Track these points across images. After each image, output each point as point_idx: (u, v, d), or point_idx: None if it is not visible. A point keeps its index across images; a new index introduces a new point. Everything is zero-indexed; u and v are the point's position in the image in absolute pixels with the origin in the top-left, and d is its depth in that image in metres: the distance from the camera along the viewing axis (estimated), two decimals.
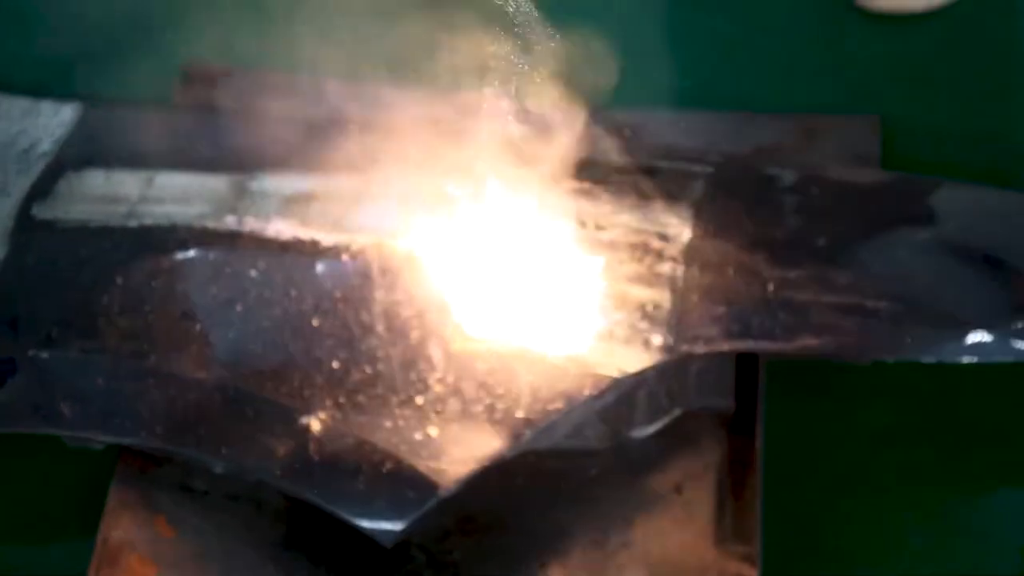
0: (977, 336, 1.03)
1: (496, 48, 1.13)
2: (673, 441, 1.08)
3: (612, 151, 1.12)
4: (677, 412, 1.07)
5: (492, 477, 1.02)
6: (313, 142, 1.18)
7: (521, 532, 1.06)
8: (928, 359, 1.03)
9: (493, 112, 1.13)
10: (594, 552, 1.05)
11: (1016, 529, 1.08)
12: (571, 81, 1.15)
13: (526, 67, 1.14)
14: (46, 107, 1.23)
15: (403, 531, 0.99)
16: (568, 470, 1.07)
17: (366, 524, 0.99)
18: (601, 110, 1.19)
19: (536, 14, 1.14)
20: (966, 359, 1.03)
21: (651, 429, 1.07)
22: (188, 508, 1.07)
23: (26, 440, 1.08)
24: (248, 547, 1.06)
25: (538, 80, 1.13)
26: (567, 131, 1.12)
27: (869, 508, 1.09)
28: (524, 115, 1.13)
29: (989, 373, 1.08)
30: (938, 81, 1.27)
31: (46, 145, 1.19)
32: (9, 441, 1.08)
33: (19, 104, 1.23)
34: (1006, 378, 1.11)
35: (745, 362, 1.08)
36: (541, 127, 1.14)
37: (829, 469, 1.11)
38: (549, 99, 1.14)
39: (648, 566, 1.05)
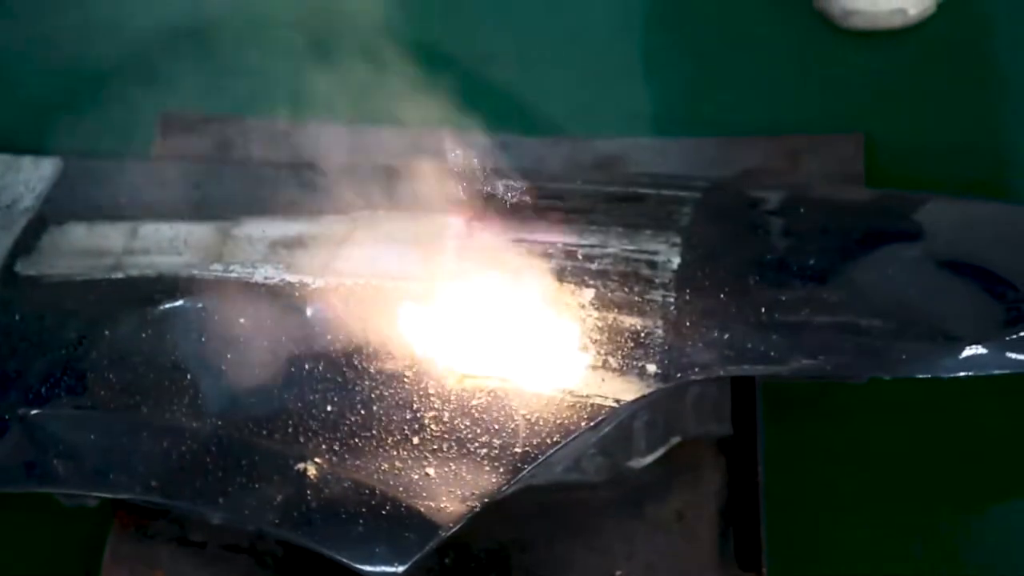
0: (972, 349, 1.02)
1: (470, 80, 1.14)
2: (672, 469, 1.07)
3: (597, 181, 1.12)
4: (675, 440, 1.07)
5: (492, 514, 1.01)
6: (295, 186, 1.18)
7: (525, 568, 1.05)
8: (924, 374, 1.03)
9: (475, 148, 1.14)
10: None
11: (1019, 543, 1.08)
12: (551, 112, 1.15)
13: (503, 99, 1.15)
14: (26, 163, 1.22)
15: (404, 573, 0.98)
16: (569, 503, 1.07)
17: (367, 569, 0.98)
18: (584, 140, 1.19)
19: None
20: (962, 373, 1.02)
21: (650, 459, 1.07)
22: (186, 561, 1.06)
23: (20, 499, 1.07)
24: None
25: (519, 112, 1.14)
26: (551, 163, 1.12)
27: (873, 525, 1.09)
28: (506, 148, 1.14)
29: (987, 386, 1.09)
30: (917, 95, 1.28)
31: (28, 201, 1.19)
32: (3, 500, 1.08)
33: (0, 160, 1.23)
34: (1003, 390, 1.11)
35: (741, 386, 1.08)
36: (524, 160, 1.14)
37: (831, 488, 1.10)
38: (532, 131, 1.14)
39: None
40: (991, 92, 1.28)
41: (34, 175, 1.21)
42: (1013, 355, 1.02)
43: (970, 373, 1.02)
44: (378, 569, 0.98)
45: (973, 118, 1.26)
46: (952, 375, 1.03)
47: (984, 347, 1.02)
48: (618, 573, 1.05)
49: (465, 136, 1.14)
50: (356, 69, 1.14)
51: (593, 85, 1.22)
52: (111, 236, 1.15)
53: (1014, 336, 1.02)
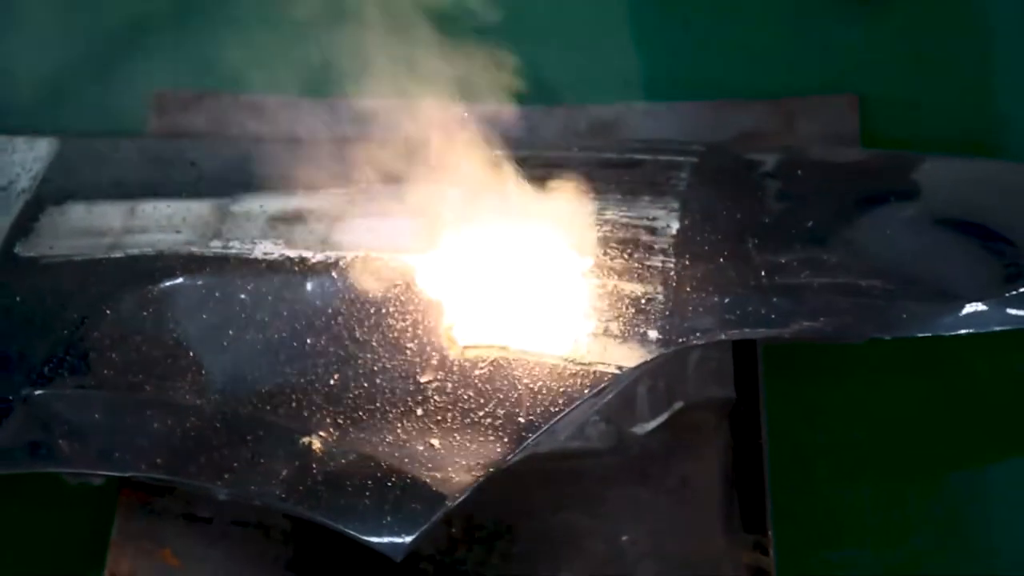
0: (972, 307, 1.02)
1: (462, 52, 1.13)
2: (676, 435, 1.08)
3: (593, 147, 1.12)
4: (678, 405, 1.07)
5: (498, 483, 1.01)
6: (291, 161, 1.18)
7: (531, 537, 1.06)
8: (925, 333, 1.03)
9: (470, 119, 1.13)
10: (606, 551, 1.05)
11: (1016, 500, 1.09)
12: (546, 79, 1.15)
13: (495, 68, 1.14)
14: (21, 143, 1.22)
15: (412, 544, 0.98)
16: (574, 471, 1.07)
17: (375, 540, 0.98)
18: (578, 107, 1.19)
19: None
20: (963, 330, 1.03)
21: (653, 424, 1.07)
22: (193, 537, 1.07)
23: (27, 479, 1.07)
24: (256, 572, 1.06)
25: (512, 80, 1.13)
26: (545, 131, 1.12)
27: (875, 484, 1.10)
28: (500, 118, 1.13)
29: (986, 344, 1.09)
30: (910, 57, 1.27)
31: (24, 182, 1.18)
32: (10, 481, 1.08)
33: None
34: (1002, 348, 1.11)
35: (743, 350, 1.08)
36: (519, 129, 1.14)
37: (833, 449, 1.11)
38: (527, 99, 1.13)
39: (660, 560, 1.05)
40: (981, 52, 1.28)
41: (29, 156, 1.20)
42: (1013, 311, 1.03)
43: (970, 330, 1.03)
44: (385, 540, 0.98)
45: (964, 78, 1.26)
46: (952, 332, 1.03)
47: (983, 304, 1.02)
48: (624, 538, 1.06)
49: (460, 107, 1.13)
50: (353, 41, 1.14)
51: (588, 51, 1.21)
52: (109, 215, 1.14)
53: (1013, 292, 1.03)
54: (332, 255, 1.09)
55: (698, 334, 1.03)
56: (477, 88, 1.13)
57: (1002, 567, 1.08)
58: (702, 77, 1.28)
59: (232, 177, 1.16)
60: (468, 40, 1.12)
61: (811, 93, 1.25)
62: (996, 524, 1.09)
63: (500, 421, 1.01)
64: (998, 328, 1.03)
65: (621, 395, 1.04)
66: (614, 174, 1.11)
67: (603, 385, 1.02)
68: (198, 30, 1.32)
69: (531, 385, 1.02)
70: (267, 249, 1.10)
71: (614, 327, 1.04)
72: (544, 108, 1.24)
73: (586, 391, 1.02)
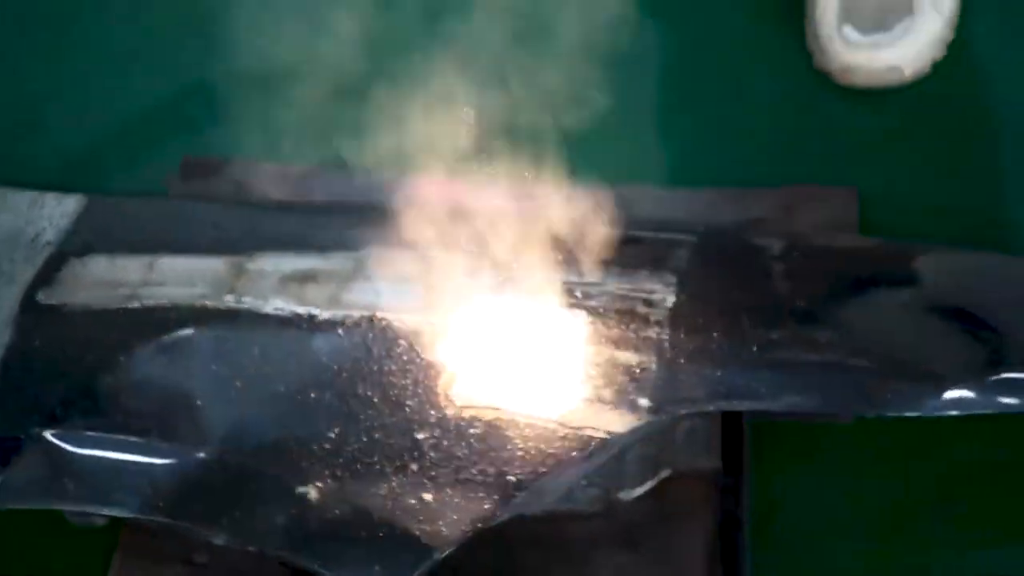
0: (955, 390, 1.05)
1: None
2: (664, 503, 1.10)
3: (597, 224, 1.16)
4: (665, 473, 1.09)
5: (487, 543, 1.04)
6: (307, 226, 1.23)
7: None
8: (909, 413, 1.05)
9: (477, 191, 1.17)
10: None
11: None
12: (555, 160, 1.19)
13: (511, 147, 1.19)
14: (50, 199, 1.27)
15: None
16: (562, 534, 1.09)
17: None
18: (586, 186, 1.23)
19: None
20: (947, 412, 1.05)
21: (640, 490, 1.09)
22: None
23: (31, 520, 1.11)
24: None
25: (523, 159, 1.17)
26: (552, 206, 1.16)
27: (862, 566, 1.11)
28: (509, 192, 1.17)
29: (972, 427, 1.11)
30: (912, 151, 1.31)
31: (50, 235, 1.24)
32: (15, 519, 1.11)
33: (25, 197, 1.28)
34: (989, 431, 1.13)
35: (731, 425, 1.11)
36: (526, 203, 1.18)
37: (819, 528, 1.13)
38: (535, 177, 1.18)
39: None
40: (984, 150, 1.31)
41: (57, 210, 1.26)
42: (994, 396, 1.05)
43: (955, 412, 1.05)
44: None
45: (965, 175, 1.29)
46: (937, 414, 1.05)
47: (967, 388, 1.05)
48: None
49: (466, 182, 1.18)
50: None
51: (600, 137, 1.25)
52: (129, 269, 1.19)
53: (995, 378, 1.05)
54: (339, 313, 1.13)
55: (688, 403, 1.06)
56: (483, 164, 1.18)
57: None
58: (709, 166, 1.31)
59: (249, 237, 1.21)
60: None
61: (814, 181, 1.28)
62: None
63: (491, 479, 1.04)
64: (981, 411, 1.05)
65: (610, 460, 1.07)
66: (615, 250, 1.15)
67: (592, 448, 1.05)
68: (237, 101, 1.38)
69: (523, 445, 1.05)
70: (278, 305, 1.14)
71: (606, 393, 1.07)
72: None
73: (575, 453, 1.04)
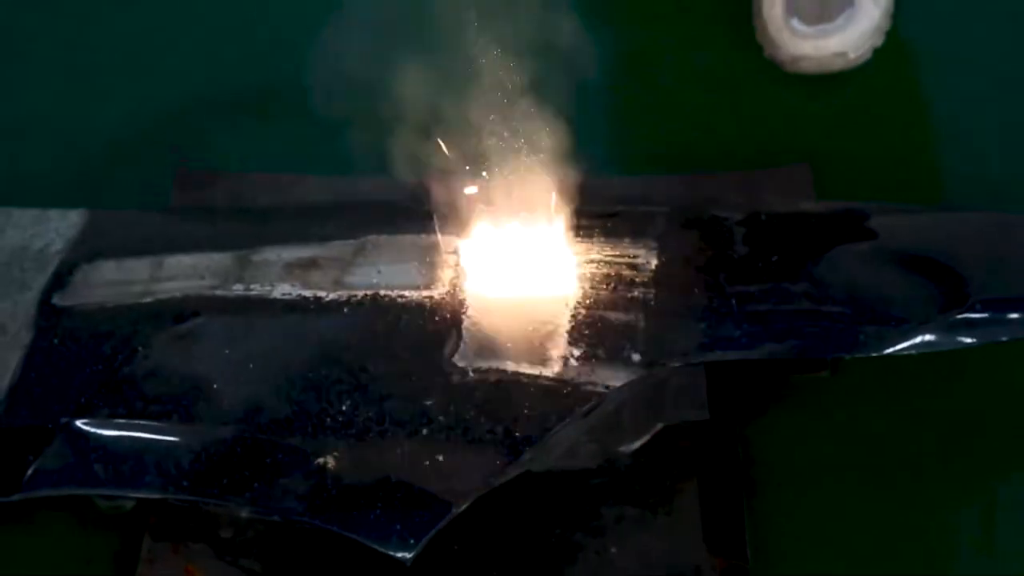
0: (920, 331, 1.13)
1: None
2: (661, 455, 1.17)
3: (577, 203, 1.24)
4: (659, 426, 1.17)
5: (495, 502, 1.10)
6: (305, 223, 1.29)
7: (528, 548, 1.15)
8: (879, 352, 1.13)
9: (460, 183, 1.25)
10: (596, 562, 1.14)
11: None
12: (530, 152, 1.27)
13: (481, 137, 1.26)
14: (54, 214, 1.33)
15: (419, 549, 1.06)
16: (566, 490, 1.17)
17: (386, 547, 1.06)
18: (559, 176, 1.31)
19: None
20: (912, 352, 1.13)
21: (637, 444, 1.17)
22: (218, 554, 1.15)
23: (59, 506, 1.17)
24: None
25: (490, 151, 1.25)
26: (534, 191, 1.24)
27: (851, 505, 1.18)
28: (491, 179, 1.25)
29: (948, 372, 1.21)
30: (859, 130, 1.41)
31: (58, 245, 1.29)
32: (43, 507, 1.17)
33: (29, 214, 1.33)
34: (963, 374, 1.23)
35: (719, 379, 1.19)
36: (506, 188, 1.25)
37: (810, 474, 1.20)
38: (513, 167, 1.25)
39: (646, 568, 1.13)
40: (922, 124, 1.42)
41: (63, 224, 1.32)
42: (954, 336, 1.13)
43: (921, 351, 1.13)
44: (395, 546, 1.07)
45: (906, 147, 1.40)
46: (903, 353, 1.13)
47: (929, 329, 1.13)
48: (613, 551, 1.15)
49: (452, 181, 1.25)
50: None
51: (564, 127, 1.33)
52: (138, 269, 1.25)
53: (955, 318, 1.13)
54: (344, 294, 1.19)
55: (676, 356, 1.14)
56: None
57: None
58: (669, 153, 1.41)
59: (251, 234, 1.27)
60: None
61: (771, 165, 1.38)
62: (976, 557, 1.17)
63: (500, 437, 1.11)
64: (943, 349, 1.13)
65: (608, 416, 1.14)
66: (597, 221, 1.23)
67: (592, 403, 1.12)
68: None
69: (526, 404, 1.12)
70: (285, 290, 1.21)
71: (600, 351, 1.14)
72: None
73: (576, 409, 1.12)
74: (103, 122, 1.47)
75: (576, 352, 1.14)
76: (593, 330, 1.16)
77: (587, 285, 1.18)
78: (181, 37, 1.53)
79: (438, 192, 1.25)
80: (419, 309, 1.18)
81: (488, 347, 1.15)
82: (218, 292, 1.21)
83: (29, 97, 1.51)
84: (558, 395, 1.12)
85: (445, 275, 1.20)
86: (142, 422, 1.14)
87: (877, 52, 1.43)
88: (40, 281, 1.26)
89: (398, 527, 1.07)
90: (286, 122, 1.43)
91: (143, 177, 1.42)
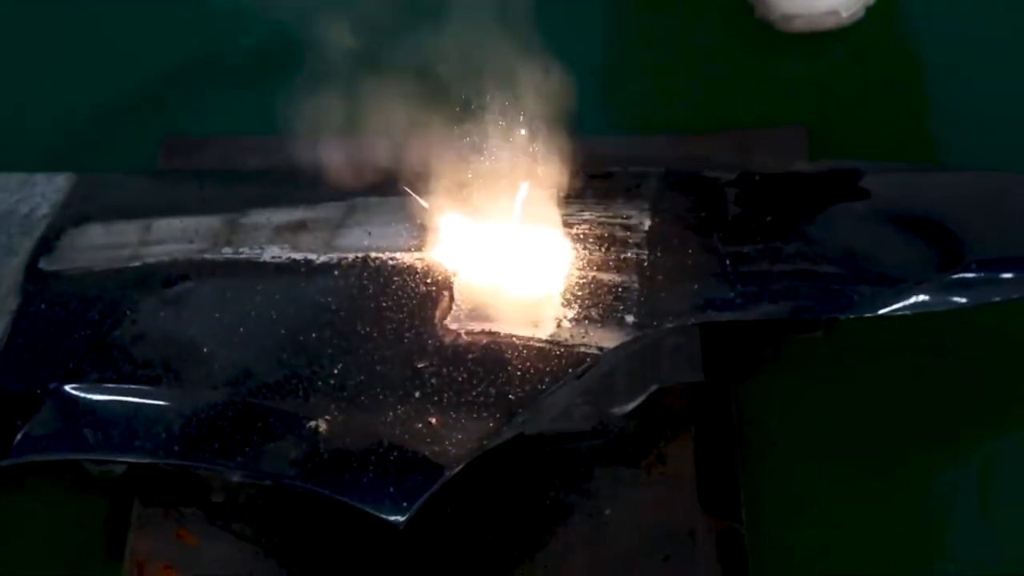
0: (914, 290, 1.12)
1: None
2: (655, 416, 1.17)
3: (571, 164, 1.23)
4: (653, 387, 1.17)
5: (488, 465, 1.10)
6: (294, 185, 1.28)
7: (523, 511, 1.14)
8: (874, 313, 1.13)
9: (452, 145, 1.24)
10: (590, 523, 1.13)
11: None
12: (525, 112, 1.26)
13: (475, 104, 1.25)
14: (40, 178, 1.32)
15: (413, 512, 1.06)
16: (560, 452, 1.16)
17: (378, 510, 1.06)
18: (553, 137, 1.30)
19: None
20: (906, 312, 1.13)
21: (631, 406, 1.17)
22: (209, 519, 1.14)
23: (49, 472, 1.16)
24: (270, 549, 1.14)
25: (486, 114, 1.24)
26: (526, 153, 1.23)
27: (845, 467, 1.18)
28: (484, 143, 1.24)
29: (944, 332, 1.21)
30: (852, 89, 1.40)
31: (45, 209, 1.28)
32: (33, 474, 1.16)
33: (14, 178, 1.32)
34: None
35: (713, 340, 1.18)
36: (501, 150, 1.24)
37: (804, 434, 1.20)
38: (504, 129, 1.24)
39: (641, 530, 1.13)
40: (916, 84, 1.42)
41: (49, 188, 1.30)
42: (948, 295, 1.13)
43: (915, 311, 1.13)
44: (388, 510, 1.06)
45: (900, 107, 1.39)
46: (899, 313, 1.13)
47: (923, 289, 1.13)
48: (607, 512, 1.14)
49: (444, 142, 1.24)
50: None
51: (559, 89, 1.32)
52: (126, 232, 1.24)
53: (949, 278, 1.13)
54: (335, 256, 1.19)
55: (670, 317, 1.13)
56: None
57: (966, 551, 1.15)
58: (662, 114, 1.40)
59: (239, 197, 1.26)
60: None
61: (765, 126, 1.37)
62: (967, 509, 1.16)
63: (492, 399, 1.10)
64: (937, 309, 1.13)
65: (602, 377, 1.14)
66: (590, 182, 1.22)
67: (586, 365, 1.11)
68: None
69: (520, 366, 1.11)
70: (275, 253, 1.20)
71: (594, 313, 1.14)
72: None
73: (570, 370, 1.11)
74: (90, 86, 1.46)
75: (569, 314, 1.14)
76: (586, 291, 1.15)
77: (580, 246, 1.17)
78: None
79: (429, 154, 1.24)
80: (411, 271, 1.17)
81: (481, 309, 1.14)
82: (207, 256, 1.20)
83: (14, 63, 1.49)
84: (551, 357, 1.11)
85: (436, 237, 1.19)
86: (132, 387, 1.14)
87: (870, 10, 1.43)
88: (27, 246, 1.25)
89: (391, 490, 1.07)
90: (276, 84, 1.41)
91: (130, 142, 1.40)
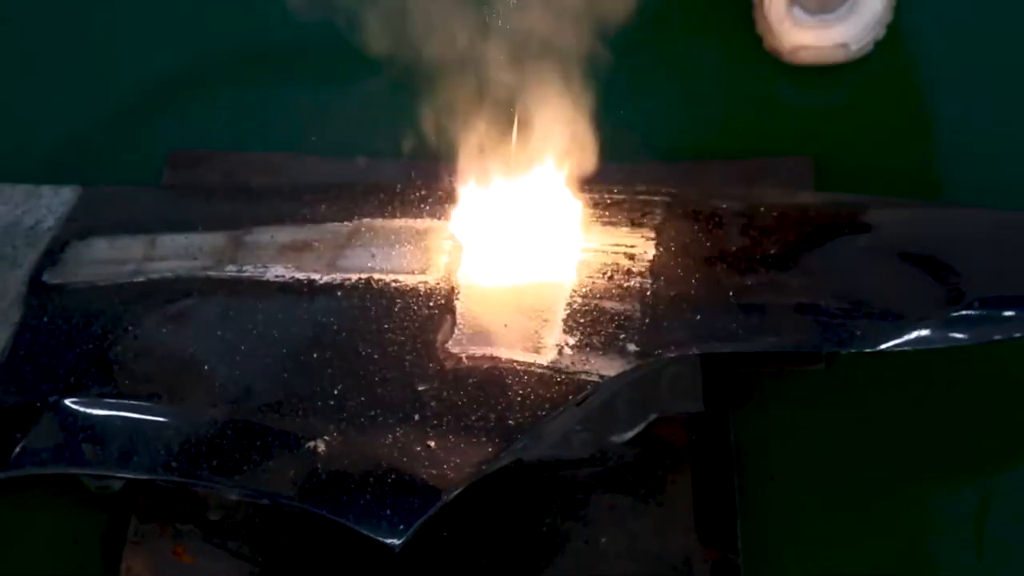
0: (916, 327, 1.12)
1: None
2: (654, 446, 1.17)
3: (576, 191, 1.23)
4: (652, 416, 1.17)
5: (487, 489, 1.10)
6: (298, 204, 1.28)
7: (519, 537, 1.14)
8: (874, 348, 1.12)
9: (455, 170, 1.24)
10: (586, 551, 1.13)
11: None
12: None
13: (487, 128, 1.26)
14: (46, 190, 1.32)
15: (409, 535, 1.05)
16: (558, 479, 1.16)
17: (375, 532, 1.05)
18: (557, 164, 1.30)
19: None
20: (907, 347, 1.12)
21: (630, 434, 1.17)
22: (206, 537, 1.14)
23: (51, 487, 1.16)
24: (266, 569, 1.14)
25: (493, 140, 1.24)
26: (531, 179, 1.23)
27: (839, 497, 1.18)
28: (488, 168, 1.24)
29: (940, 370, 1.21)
30: (860, 122, 1.41)
31: (50, 222, 1.29)
32: (31, 487, 1.16)
33: (21, 189, 1.33)
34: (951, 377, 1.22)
35: (712, 371, 1.18)
36: (505, 176, 1.25)
37: (801, 465, 1.20)
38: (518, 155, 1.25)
39: (637, 558, 1.13)
40: (924, 117, 1.42)
41: (55, 200, 1.31)
42: (948, 332, 1.13)
43: (916, 347, 1.12)
44: (384, 532, 1.06)
45: (907, 140, 1.40)
46: (898, 349, 1.12)
47: (924, 325, 1.12)
48: (603, 540, 1.14)
49: (448, 164, 1.24)
50: None
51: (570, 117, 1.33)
52: (131, 247, 1.24)
53: (950, 316, 1.13)
54: (338, 277, 1.19)
55: (672, 347, 1.13)
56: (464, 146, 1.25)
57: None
58: (673, 142, 1.40)
59: (244, 214, 1.27)
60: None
61: (772, 155, 1.37)
62: (964, 544, 1.16)
63: (492, 424, 1.10)
64: (939, 346, 1.13)
65: (602, 405, 1.14)
66: (596, 210, 1.23)
67: (586, 392, 1.11)
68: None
69: (520, 392, 1.11)
70: (278, 272, 1.20)
71: (596, 340, 1.13)
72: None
73: (570, 397, 1.11)
74: (96, 98, 1.46)
75: (571, 340, 1.13)
76: (589, 319, 1.15)
77: (584, 273, 1.17)
78: (175, 8, 1.52)
79: (434, 176, 1.25)
80: (413, 294, 1.17)
81: (482, 334, 1.14)
82: (211, 273, 1.20)
83: (21, 74, 1.50)
84: (552, 383, 1.11)
85: (440, 260, 1.19)
86: (131, 402, 1.14)
87: (879, 44, 1.43)
88: (31, 258, 1.25)
89: (388, 513, 1.06)
90: (283, 93, 1.42)
91: (135, 155, 1.41)
